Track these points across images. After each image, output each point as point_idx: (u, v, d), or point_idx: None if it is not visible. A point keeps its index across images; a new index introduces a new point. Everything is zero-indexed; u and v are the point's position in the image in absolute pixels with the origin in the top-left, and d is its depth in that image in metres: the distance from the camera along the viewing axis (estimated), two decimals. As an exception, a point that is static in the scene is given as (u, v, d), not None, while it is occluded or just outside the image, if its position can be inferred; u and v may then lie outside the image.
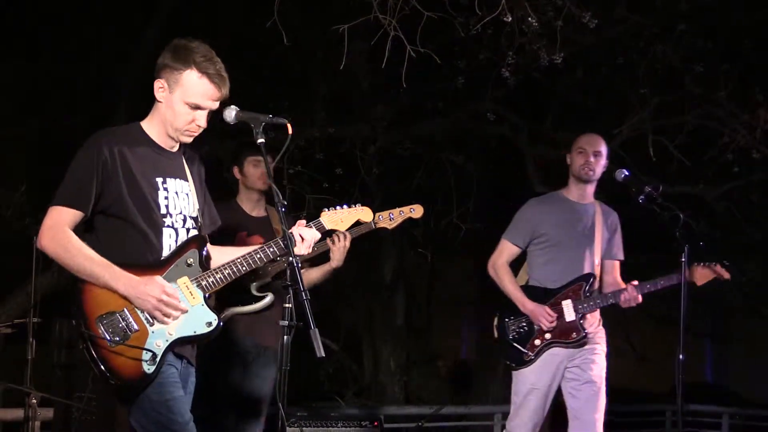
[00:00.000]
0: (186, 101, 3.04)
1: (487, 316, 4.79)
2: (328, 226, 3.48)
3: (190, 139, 3.13)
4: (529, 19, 5.24)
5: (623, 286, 4.62)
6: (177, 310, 2.97)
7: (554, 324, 4.50)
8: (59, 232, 2.93)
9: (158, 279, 2.97)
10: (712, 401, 9.35)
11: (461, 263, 11.02)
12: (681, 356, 3.97)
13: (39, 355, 5.03)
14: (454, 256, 10.38)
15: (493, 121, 7.51)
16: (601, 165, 4.61)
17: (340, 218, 3.57)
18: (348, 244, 4.21)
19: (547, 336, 4.51)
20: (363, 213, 3.66)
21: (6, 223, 6.87)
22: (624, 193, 4.50)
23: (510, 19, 5.11)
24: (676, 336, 4.00)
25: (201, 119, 3.07)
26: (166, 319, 2.95)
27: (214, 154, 6.27)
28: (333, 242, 4.21)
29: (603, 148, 4.63)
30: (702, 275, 4.58)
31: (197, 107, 3.05)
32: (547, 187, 7.31)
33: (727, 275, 4.59)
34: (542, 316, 4.49)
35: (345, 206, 3.61)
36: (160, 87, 3.07)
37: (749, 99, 7.10)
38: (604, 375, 4.57)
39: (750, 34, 7.21)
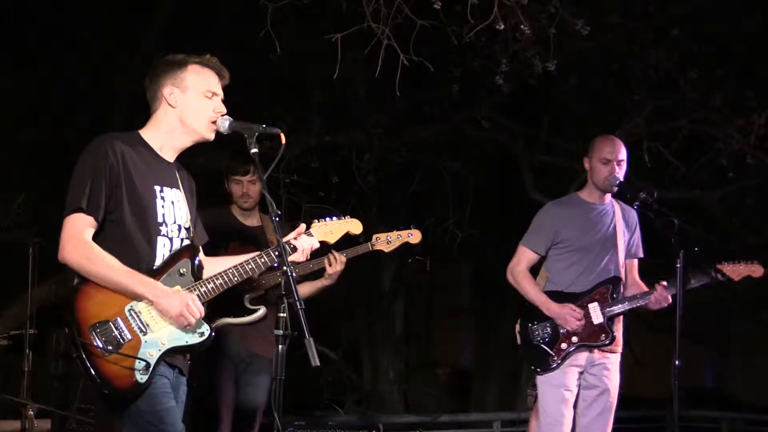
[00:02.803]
0: (203, 92, 3.12)
1: (487, 323, 4.76)
2: (318, 238, 3.48)
3: (213, 134, 3.15)
4: (522, 27, 5.25)
5: (641, 284, 4.48)
6: (196, 317, 2.99)
7: (582, 324, 4.32)
8: (79, 242, 2.92)
9: (183, 293, 3.00)
10: (711, 406, 9.35)
11: (459, 270, 11.03)
12: (677, 362, 3.96)
13: (36, 367, 5.03)
14: (452, 264, 10.38)
15: (489, 128, 7.51)
16: (623, 171, 4.40)
17: (329, 230, 3.57)
18: (343, 266, 4.24)
19: (574, 339, 4.33)
20: (352, 225, 3.66)
21: (2, 233, 6.86)
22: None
23: (503, 27, 5.12)
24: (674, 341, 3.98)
25: (220, 106, 3.15)
26: (191, 321, 2.97)
27: (210, 165, 6.27)
28: (329, 263, 4.23)
29: (625, 153, 4.42)
30: (735, 271, 4.47)
31: (214, 94, 3.14)
32: (543, 193, 7.34)
33: (760, 272, 4.50)
34: (569, 315, 4.30)
35: (335, 218, 3.62)
36: (170, 93, 3.11)
37: (743, 104, 7.11)
38: (618, 384, 4.41)
39: (744, 39, 7.22)
